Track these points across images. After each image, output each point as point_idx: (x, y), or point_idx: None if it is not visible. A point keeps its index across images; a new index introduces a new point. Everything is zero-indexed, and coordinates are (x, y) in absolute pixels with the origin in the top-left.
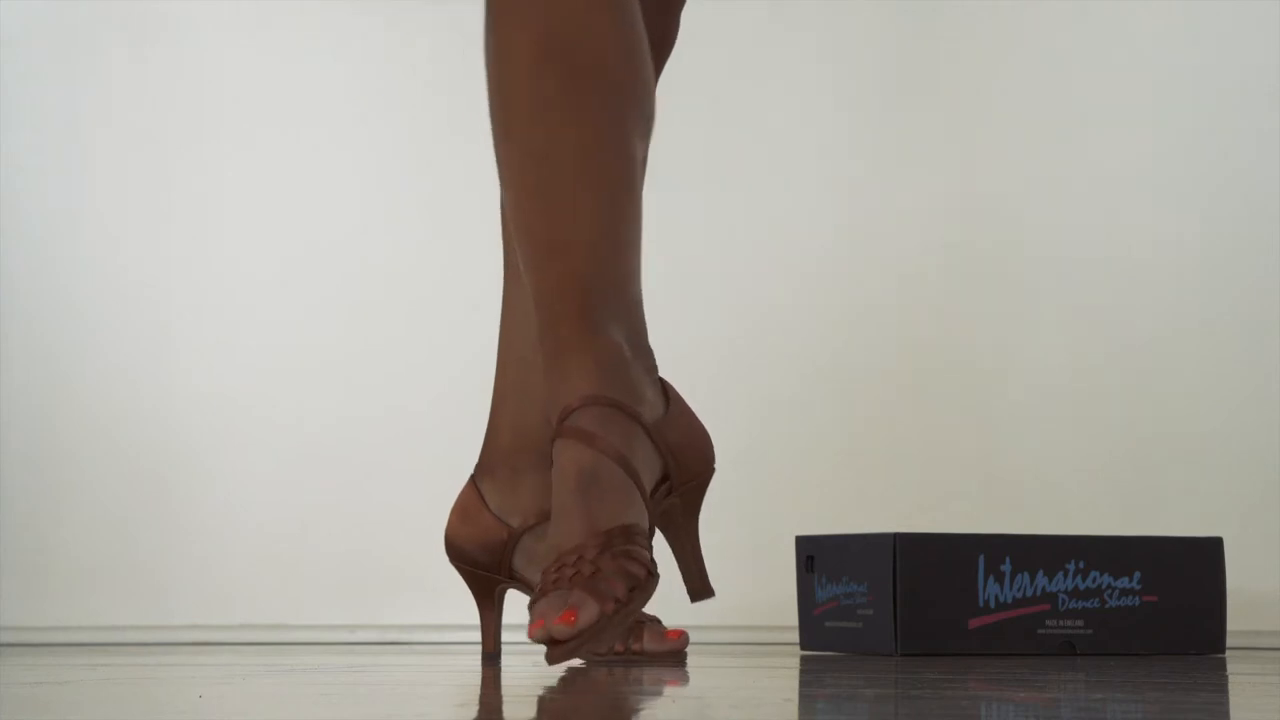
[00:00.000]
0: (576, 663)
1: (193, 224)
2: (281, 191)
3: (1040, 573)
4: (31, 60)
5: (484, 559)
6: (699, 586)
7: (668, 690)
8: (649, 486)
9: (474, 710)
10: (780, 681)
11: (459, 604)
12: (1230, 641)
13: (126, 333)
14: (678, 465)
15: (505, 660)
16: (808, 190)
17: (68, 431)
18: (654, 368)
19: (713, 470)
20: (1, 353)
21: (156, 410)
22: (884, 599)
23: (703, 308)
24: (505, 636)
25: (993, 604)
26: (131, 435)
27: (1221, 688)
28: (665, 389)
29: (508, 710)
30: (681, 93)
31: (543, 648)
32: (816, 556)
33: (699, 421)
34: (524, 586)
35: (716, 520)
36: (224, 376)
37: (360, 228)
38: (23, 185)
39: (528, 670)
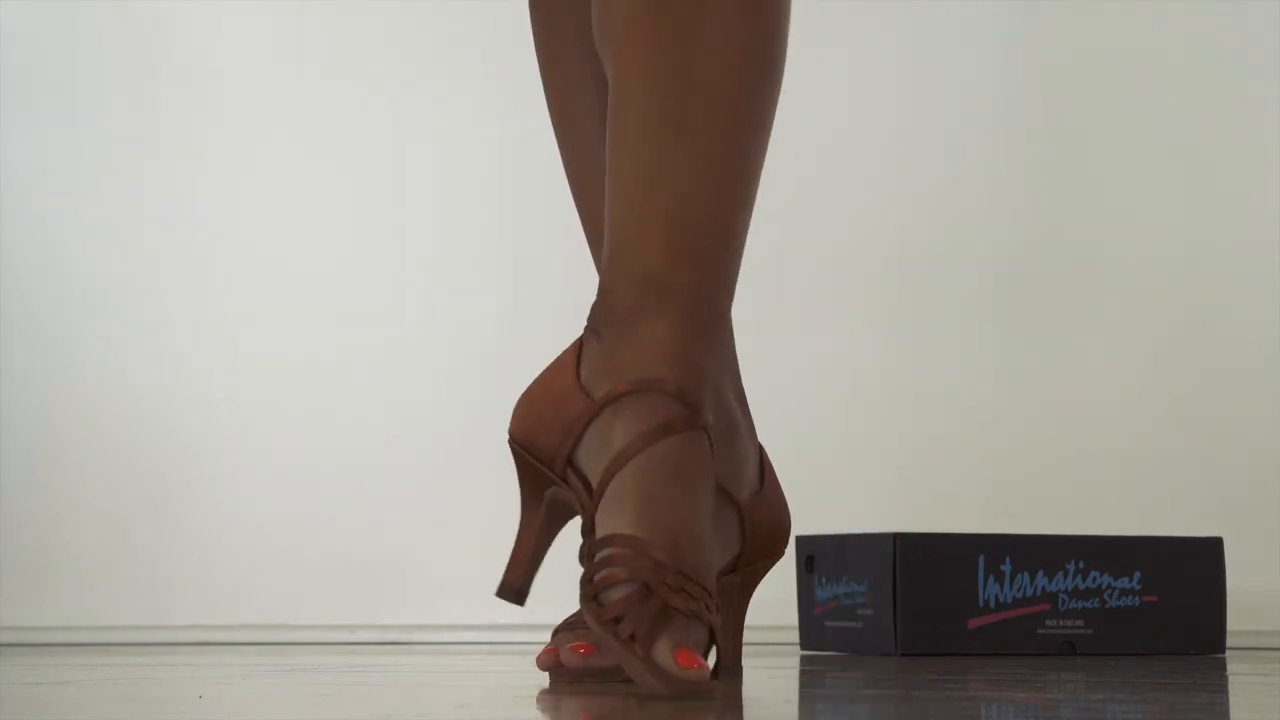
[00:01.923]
0: None
1: (193, 223)
2: (283, 191)
3: (1040, 573)
4: (32, 59)
5: (544, 441)
6: (731, 663)
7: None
8: (718, 567)
9: (474, 710)
10: (780, 682)
11: (459, 604)
12: (1230, 641)
13: (126, 333)
14: (753, 546)
15: (501, 660)
16: (810, 187)
17: (68, 431)
18: (753, 429)
19: (783, 553)
20: (1, 352)
21: (156, 410)
22: (884, 599)
23: None
24: (495, 637)
25: (993, 604)
26: (131, 435)
27: (1221, 688)
28: (762, 459)
29: (507, 710)
30: None
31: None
32: (816, 556)
33: (784, 499)
34: (575, 492)
35: None
36: (224, 377)
37: (362, 228)
38: (23, 185)
39: (526, 670)
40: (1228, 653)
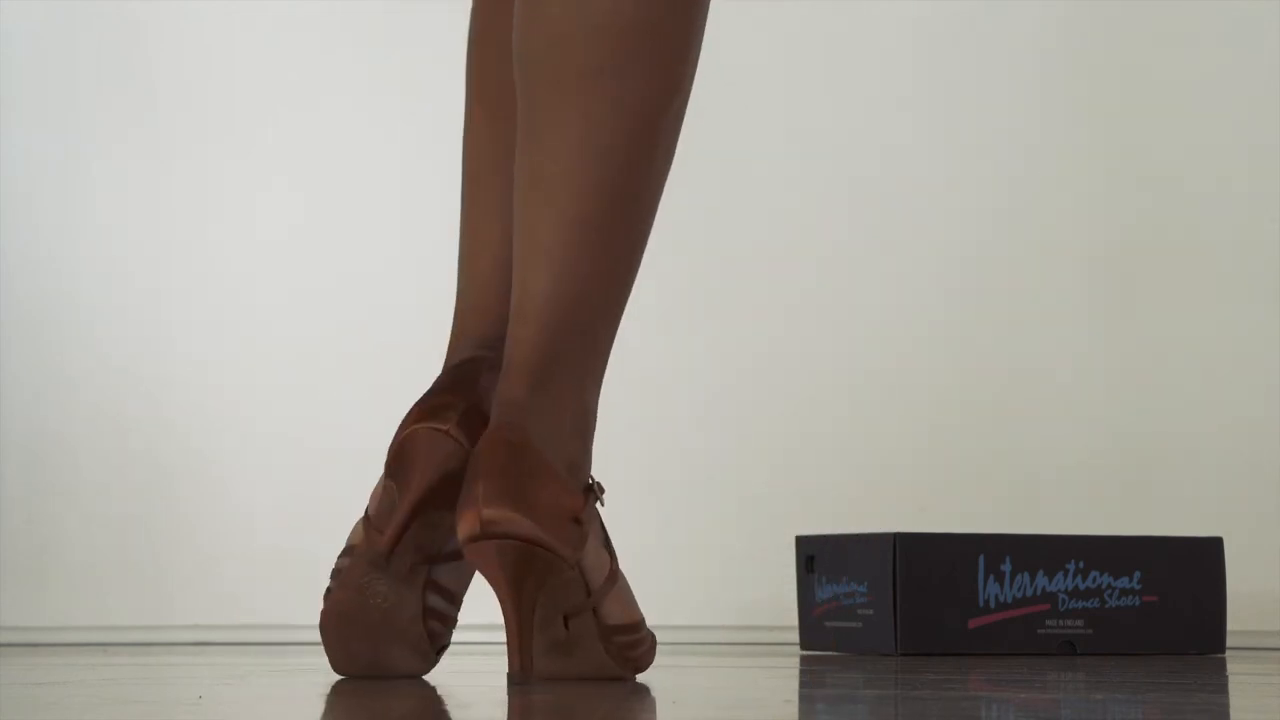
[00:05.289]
0: None
1: (193, 222)
2: (284, 192)
3: (1040, 573)
4: (31, 59)
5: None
6: (514, 667)
7: (669, 691)
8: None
9: (474, 710)
10: (780, 681)
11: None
12: (1230, 641)
13: (127, 332)
14: None
15: (501, 660)
16: (807, 191)
17: (68, 431)
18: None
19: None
20: (1, 352)
21: (157, 410)
22: (884, 599)
23: (704, 309)
24: (495, 637)
25: (993, 604)
26: (132, 435)
27: (1221, 688)
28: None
29: (506, 710)
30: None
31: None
32: (816, 556)
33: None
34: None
35: (717, 520)
36: (225, 376)
37: (364, 229)
38: (22, 184)
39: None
40: (1228, 653)
